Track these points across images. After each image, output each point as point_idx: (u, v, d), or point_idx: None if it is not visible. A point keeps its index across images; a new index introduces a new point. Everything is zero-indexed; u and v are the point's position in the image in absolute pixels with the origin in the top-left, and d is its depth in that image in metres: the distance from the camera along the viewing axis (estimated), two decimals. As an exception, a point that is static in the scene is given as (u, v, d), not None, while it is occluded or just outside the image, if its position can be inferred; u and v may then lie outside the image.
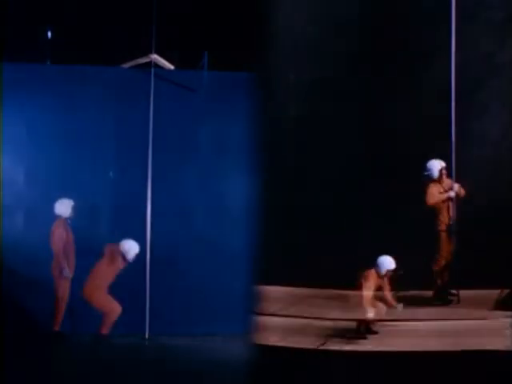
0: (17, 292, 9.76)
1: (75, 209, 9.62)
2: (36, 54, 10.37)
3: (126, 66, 10.75)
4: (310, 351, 6.24)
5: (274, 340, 6.29)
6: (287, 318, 6.50)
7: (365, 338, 6.51)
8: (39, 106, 10.17)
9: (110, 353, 9.13)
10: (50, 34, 10.80)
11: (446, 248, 6.72)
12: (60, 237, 9.42)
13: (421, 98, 6.45)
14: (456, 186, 6.65)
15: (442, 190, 6.72)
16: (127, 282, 9.65)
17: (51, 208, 9.95)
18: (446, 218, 6.70)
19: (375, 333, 6.56)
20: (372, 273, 6.70)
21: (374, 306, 6.63)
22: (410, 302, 6.60)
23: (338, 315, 6.46)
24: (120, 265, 9.49)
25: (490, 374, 5.87)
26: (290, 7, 6.55)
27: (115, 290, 9.47)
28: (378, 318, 6.60)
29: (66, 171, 10.09)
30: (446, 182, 6.71)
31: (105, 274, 9.39)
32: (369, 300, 6.56)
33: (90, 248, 9.72)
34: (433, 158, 6.57)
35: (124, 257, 9.47)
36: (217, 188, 10.39)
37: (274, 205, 6.51)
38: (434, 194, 6.68)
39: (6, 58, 9.76)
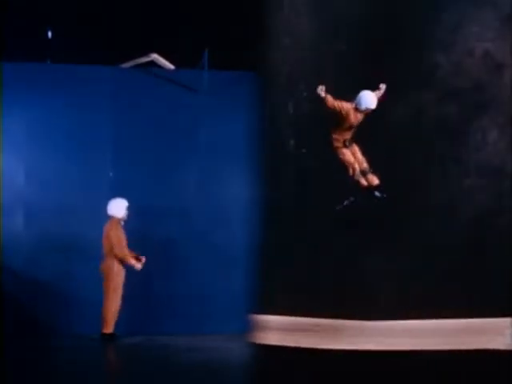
0: (17, 292, 9.78)
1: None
2: (36, 53, 10.38)
3: (126, 66, 10.77)
4: (310, 351, 6.23)
5: (274, 340, 6.28)
6: (287, 318, 6.50)
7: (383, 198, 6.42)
8: (39, 106, 10.19)
9: (111, 353, 9.15)
10: (50, 33, 10.81)
11: (352, 156, 6.56)
12: (117, 237, 9.48)
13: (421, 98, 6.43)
14: (358, 116, 6.46)
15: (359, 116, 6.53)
16: (127, 282, 9.67)
17: (51, 208, 9.98)
18: (341, 136, 6.52)
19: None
20: (349, 105, 6.44)
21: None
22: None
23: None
24: (121, 226, 9.60)
25: (490, 374, 5.87)
26: (290, 6, 6.55)
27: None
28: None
29: (66, 171, 10.10)
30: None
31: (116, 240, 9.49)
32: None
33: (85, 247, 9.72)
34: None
35: (119, 218, 9.59)
36: (217, 188, 10.40)
37: (275, 205, 6.51)
38: (345, 104, 6.47)
39: (6, 58, 9.76)
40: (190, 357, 8.44)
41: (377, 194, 6.50)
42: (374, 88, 6.40)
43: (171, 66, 10.93)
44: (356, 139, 6.54)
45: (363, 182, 6.51)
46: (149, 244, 10.14)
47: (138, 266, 9.50)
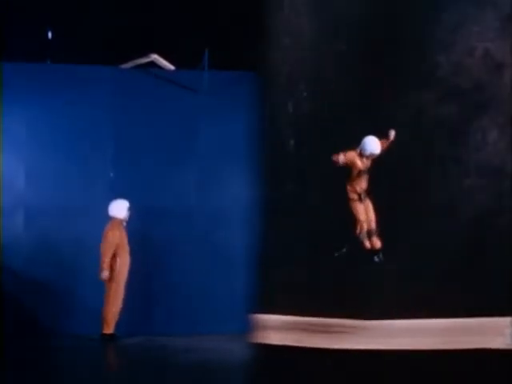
0: (17, 292, 9.78)
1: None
2: (36, 53, 10.37)
3: (126, 66, 10.77)
4: (310, 351, 6.23)
5: (274, 340, 6.28)
6: (287, 318, 6.50)
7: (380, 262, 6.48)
8: (39, 106, 10.18)
9: (110, 353, 9.15)
10: (50, 33, 10.81)
11: (364, 213, 6.61)
12: (112, 238, 9.44)
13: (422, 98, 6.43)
14: (364, 161, 6.53)
15: (359, 158, 6.58)
16: (127, 282, 9.67)
17: (51, 208, 9.98)
18: (356, 187, 6.58)
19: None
20: (354, 153, 6.53)
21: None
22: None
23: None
24: (122, 228, 9.56)
25: (490, 373, 5.87)
26: (290, 6, 6.55)
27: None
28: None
29: (66, 171, 10.10)
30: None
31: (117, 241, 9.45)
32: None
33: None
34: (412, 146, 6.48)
35: (121, 219, 9.56)
36: (217, 188, 10.40)
37: (275, 205, 6.51)
38: (350, 154, 6.52)
39: (6, 58, 9.76)
40: (190, 357, 8.44)
41: (376, 258, 6.57)
42: (373, 88, 6.40)
43: (171, 67, 10.93)
44: (356, 141, 6.55)
45: (367, 244, 6.59)
46: (149, 244, 10.14)
47: (104, 274, 9.43)
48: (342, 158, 6.47)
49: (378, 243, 6.58)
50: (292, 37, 6.51)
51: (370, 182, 6.58)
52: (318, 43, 6.54)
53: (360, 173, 6.59)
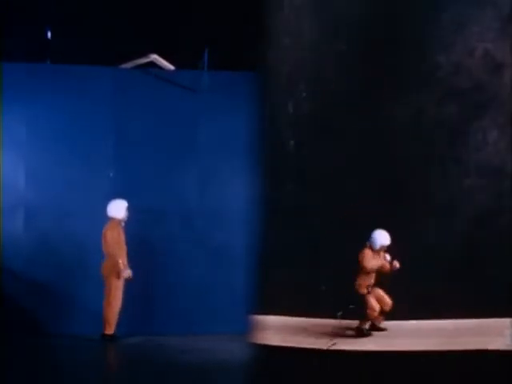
0: (17, 292, 9.77)
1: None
2: (36, 53, 10.37)
3: (126, 66, 10.76)
4: (310, 351, 6.23)
5: (274, 340, 6.28)
6: (287, 318, 6.50)
7: (370, 335, 6.53)
8: (39, 106, 10.18)
9: (110, 353, 9.14)
10: (50, 33, 10.80)
11: (376, 304, 6.73)
12: (112, 238, 9.42)
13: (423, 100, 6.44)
14: (389, 259, 6.70)
15: (376, 257, 6.73)
16: (127, 282, 9.66)
17: (51, 208, 9.97)
18: (362, 283, 6.74)
19: (383, 330, 6.57)
20: (367, 250, 6.70)
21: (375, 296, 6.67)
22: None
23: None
24: (121, 228, 9.54)
25: (490, 373, 5.87)
26: (290, 6, 6.55)
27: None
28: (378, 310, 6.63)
29: (66, 171, 10.09)
30: (382, 254, 6.73)
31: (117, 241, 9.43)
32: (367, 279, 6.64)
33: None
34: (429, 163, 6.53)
35: (119, 219, 9.54)
36: (217, 188, 10.39)
37: (275, 205, 6.51)
38: (370, 258, 6.70)
39: (6, 58, 9.76)
40: (189, 357, 8.43)
41: (365, 330, 6.62)
42: (373, 88, 6.40)
43: (171, 67, 10.93)
44: (356, 141, 6.54)
45: (378, 323, 6.67)
46: (148, 244, 10.13)
47: (125, 273, 9.41)
48: (369, 264, 6.67)
49: (380, 322, 6.69)
50: (292, 37, 6.51)
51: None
52: (318, 43, 6.54)
53: (371, 269, 6.70)
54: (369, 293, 6.71)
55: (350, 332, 6.56)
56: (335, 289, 6.43)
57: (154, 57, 10.70)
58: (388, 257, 6.69)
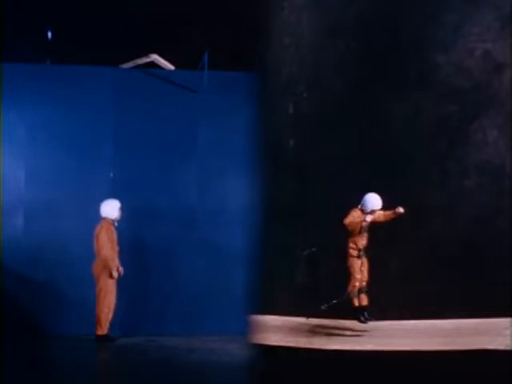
0: (17, 292, 9.76)
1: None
2: (36, 54, 10.36)
3: (126, 66, 10.76)
4: (309, 351, 6.24)
5: (274, 340, 6.28)
6: (287, 318, 6.50)
7: (366, 322, 6.56)
8: (39, 106, 10.17)
9: (110, 353, 9.14)
10: (50, 33, 10.80)
11: (359, 272, 6.74)
12: (106, 239, 9.39)
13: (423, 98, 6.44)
14: (373, 216, 6.68)
15: (361, 216, 6.74)
16: (127, 282, 9.65)
17: (51, 208, 9.96)
18: (357, 243, 6.74)
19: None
20: (357, 210, 6.70)
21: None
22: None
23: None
24: (114, 229, 9.50)
25: (490, 374, 5.87)
26: (290, 7, 6.55)
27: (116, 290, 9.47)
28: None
29: (66, 171, 10.09)
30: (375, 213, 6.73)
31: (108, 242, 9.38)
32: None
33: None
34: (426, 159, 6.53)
35: (112, 219, 9.50)
36: (217, 188, 10.38)
37: (275, 205, 6.52)
38: (353, 215, 6.70)
39: (6, 58, 9.75)
40: (188, 357, 8.42)
41: (361, 318, 6.64)
42: (373, 88, 6.41)
43: (171, 67, 10.92)
44: (355, 141, 6.55)
45: (355, 302, 6.72)
46: (148, 244, 10.12)
47: (115, 274, 9.39)
48: (347, 220, 6.62)
49: (365, 301, 6.70)
50: (292, 37, 6.52)
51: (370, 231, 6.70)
52: (318, 43, 6.55)
53: (361, 229, 6.70)
54: (359, 257, 6.69)
55: (349, 332, 6.57)
56: (335, 287, 6.44)
57: (155, 57, 10.70)
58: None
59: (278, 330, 6.34)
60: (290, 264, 6.46)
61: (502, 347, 6.00)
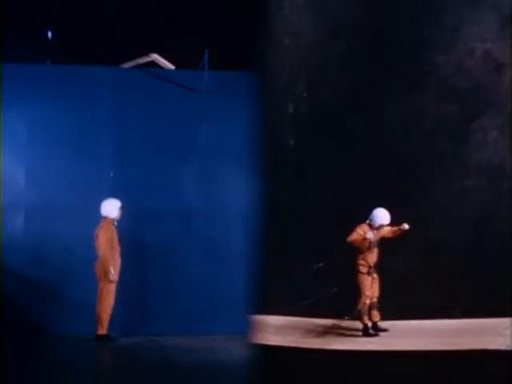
0: (17, 292, 9.77)
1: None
2: (36, 53, 10.37)
3: (126, 66, 10.76)
4: (310, 351, 6.24)
5: (274, 340, 6.28)
6: (287, 318, 6.50)
7: (376, 336, 6.55)
8: (39, 106, 10.18)
9: (110, 353, 9.14)
10: (50, 33, 10.81)
11: (369, 289, 6.73)
12: (105, 238, 9.38)
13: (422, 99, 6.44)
14: (377, 232, 6.69)
15: (369, 231, 6.74)
16: (127, 282, 9.66)
17: (51, 208, 9.97)
18: (367, 260, 6.74)
19: (385, 330, 6.57)
20: (364, 225, 6.71)
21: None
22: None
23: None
24: (114, 228, 9.51)
25: (490, 374, 5.87)
26: (290, 6, 6.55)
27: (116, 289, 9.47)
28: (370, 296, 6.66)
29: (66, 171, 10.10)
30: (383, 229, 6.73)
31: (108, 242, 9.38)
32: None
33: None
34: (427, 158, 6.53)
35: (112, 219, 9.51)
36: (217, 188, 10.39)
37: (275, 205, 6.51)
38: (358, 232, 6.71)
39: (6, 58, 9.76)
40: (188, 357, 8.43)
41: (372, 333, 6.63)
42: (373, 88, 6.40)
43: (171, 67, 10.94)
44: (356, 141, 6.55)
45: (365, 319, 6.67)
46: (148, 244, 10.14)
47: (113, 275, 9.37)
48: (351, 238, 6.64)
49: (377, 317, 6.68)
50: (292, 37, 6.52)
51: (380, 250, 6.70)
52: (318, 43, 6.55)
53: (370, 245, 6.70)
54: (369, 274, 6.70)
55: (349, 332, 6.57)
56: (338, 288, 6.44)
57: (155, 56, 10.71)
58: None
59: (278, 329, 6.33)
60: (290, 264, 6.46)
61: (502, 347, 6.00)
